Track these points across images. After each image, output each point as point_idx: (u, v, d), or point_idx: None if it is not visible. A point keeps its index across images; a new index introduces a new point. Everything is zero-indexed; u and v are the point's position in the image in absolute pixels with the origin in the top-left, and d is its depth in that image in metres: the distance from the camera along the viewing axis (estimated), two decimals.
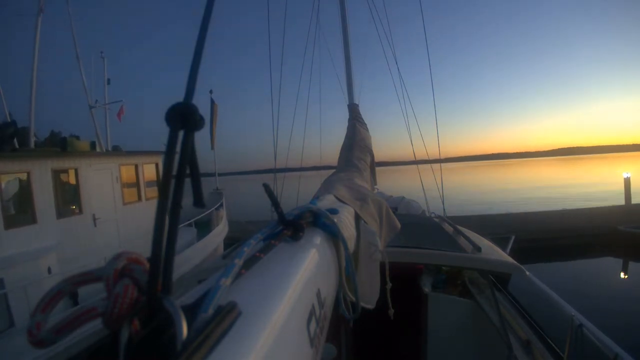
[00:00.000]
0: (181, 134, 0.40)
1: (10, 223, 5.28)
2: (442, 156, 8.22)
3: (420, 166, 6.46)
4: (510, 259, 2.67)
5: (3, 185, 5.30)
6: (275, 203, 0.77)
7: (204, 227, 8.99)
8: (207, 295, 0.40)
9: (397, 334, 3.26)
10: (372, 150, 3.26)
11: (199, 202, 0.44)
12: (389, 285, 1.59)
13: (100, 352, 0.36)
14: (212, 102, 12.14)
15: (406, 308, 2.46)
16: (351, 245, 1.08)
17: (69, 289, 0.38)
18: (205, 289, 0.44)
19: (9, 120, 7.34)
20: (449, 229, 3.59)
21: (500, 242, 4.58)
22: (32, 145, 7.70)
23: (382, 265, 1.43)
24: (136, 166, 8.24)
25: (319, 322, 0.60)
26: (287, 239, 0.73)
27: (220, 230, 9.75)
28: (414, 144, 6.19)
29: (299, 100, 6.88)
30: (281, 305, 0.48)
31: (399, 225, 1.72)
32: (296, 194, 6.21)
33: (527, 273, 2.56)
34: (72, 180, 6.58)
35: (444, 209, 6.64)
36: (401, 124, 6.50)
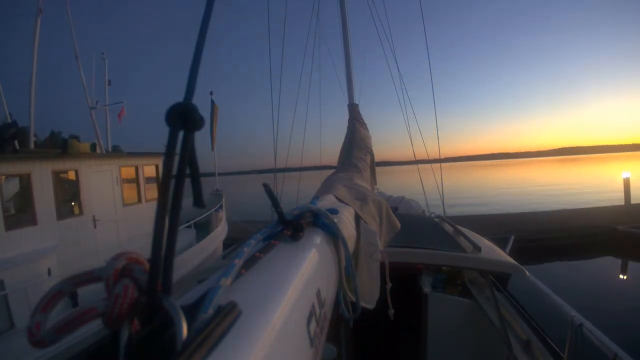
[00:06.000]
0: (181, 134, 0.40)
1: (10, 224, 5.28)
2: (442, 156, 8.22)
3: (420, 166, 6.46)
4: (510, 259, 2.67)
5: (3, 187, 5.30)
6: (275, 203, 0.77)
7: (203, 229, 8.97)
8: (207, 295, 0.40)
9: (397, 334, 3.26)
10: (372, 150, 3.26)
11: (198, 202, 0.44)
12: (389, 285, 1.59)
13: (100, 352, 0.36)
14: (213, 103, 12.16)
15: (406, 308, 2.45)
16: (351, 245, 1.08)
17: (69, 289, 0.38)
18: (205, 289, 0.44)
19: (9, 120, 7.34)
20: (449, 229, 3.59)
21: (500, 242, 4.58)
22: (32, 145, 7.70)
23: (382, 265, 1.43)
24: (136, 168, 8.24)
25: (319, 322, 0.60)
26: (287, 239, 0.73)
27: (220, 232, 9.72)
28: (414, 144, 6.20)
29: (299, 100, 6.88)
30: (281, 305, 0.48)
31: (399, 225, 1.72)
32: (296, 194, 6.21)
33: (527, 273, 2.56)
34: (73, 182, 6.59)
35: (444, 209, 6.64)
36: (401, 124, 6.51)
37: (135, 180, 8.23)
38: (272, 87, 6.24)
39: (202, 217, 9.01)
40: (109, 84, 10.61)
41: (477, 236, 3.20)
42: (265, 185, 0.80)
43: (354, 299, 0.97)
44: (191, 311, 0.38)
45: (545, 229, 11.81)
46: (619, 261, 10.37)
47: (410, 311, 3.12)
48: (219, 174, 13.69)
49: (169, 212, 0.39)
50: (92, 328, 0.39)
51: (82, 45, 9.33)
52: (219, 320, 0.37)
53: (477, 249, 2.70)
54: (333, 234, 0.88)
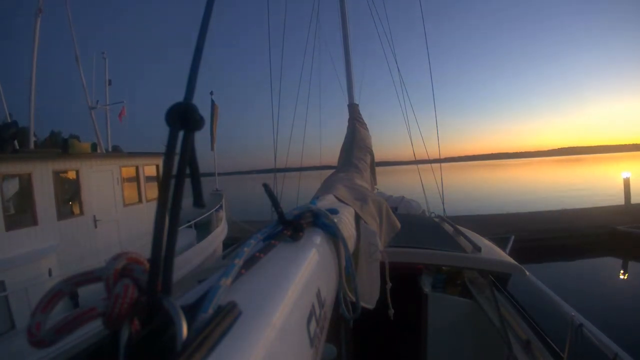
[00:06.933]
0: (181, 134, 0.40)
1: (11, 224, 5.28)
2: (442, 156, 8.22)
3: (420, 166, 6.46)
4: (510, 259, 2.67)
5: (3, 187, 5.30)
6: (275, 203, 0.77)
7: (203, 229, 8.96)
8: (207, 295, 0.40)
9: (397, 334, 3.26)
10: (372, 150, 3.26)
11: (199, 202, 0.44)
12: (389, 285, 1.59)
13: (100, 352, 0.36)
14: (213, 103, 12.16)
15: (406, 308, 2.46)
16: (351, 245, 1.08)
17: (69, 289, 0.38)
18: (205, 289, 0.44)
19: (9, 120, 7.34)
20: (449, 229, 3.59)
21: (500, 242, 4.58)
22: (32, 145, 7.69)
23: (382, 265, 1.43)
24: (137, 167, 8.23)
25: (319, 322, 0.60)
26: (287, 239, 0.73)
27: (220, 232, 9.72)
28: (414, 144, 6.20)
29: (299, 100, 6.88)
30: (281, 305, 0.48)
31: (399, 225, 1.72)
32: (296, 194, 6.21)
33: (527, 273, 2.56)
34: (73, 182, 6.59)
35: (444, 209, 6.64)
36: (401, 124, 6.51)
37: (136, 180, 8.24)
38: (272, 87, 6.25)
39: (202, 217, 9.00)
40: (109, 84, 10.60)
41: (477, 236, 3.20)
42: (265, 185, 0.80)
43: (354, 299, 0.97)
44: (191, 311, 0.38)
45: (545, 229, 11.80)
46: (619, 261, 10.36)
47: (410, 311, 3.12)
48: (219, 174, 13.69)
49: (169, 212, 0.39)
50: (92, 328, 0.39)
51: (82, 45, 9.33)
52: (219, 320, 0.37)
53: (477, 249, 2.70)
54: (333, 234, 0.88)
